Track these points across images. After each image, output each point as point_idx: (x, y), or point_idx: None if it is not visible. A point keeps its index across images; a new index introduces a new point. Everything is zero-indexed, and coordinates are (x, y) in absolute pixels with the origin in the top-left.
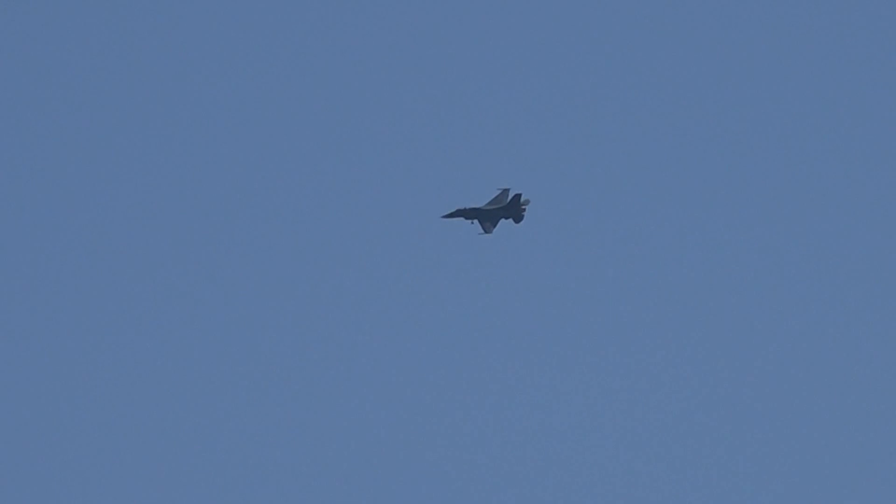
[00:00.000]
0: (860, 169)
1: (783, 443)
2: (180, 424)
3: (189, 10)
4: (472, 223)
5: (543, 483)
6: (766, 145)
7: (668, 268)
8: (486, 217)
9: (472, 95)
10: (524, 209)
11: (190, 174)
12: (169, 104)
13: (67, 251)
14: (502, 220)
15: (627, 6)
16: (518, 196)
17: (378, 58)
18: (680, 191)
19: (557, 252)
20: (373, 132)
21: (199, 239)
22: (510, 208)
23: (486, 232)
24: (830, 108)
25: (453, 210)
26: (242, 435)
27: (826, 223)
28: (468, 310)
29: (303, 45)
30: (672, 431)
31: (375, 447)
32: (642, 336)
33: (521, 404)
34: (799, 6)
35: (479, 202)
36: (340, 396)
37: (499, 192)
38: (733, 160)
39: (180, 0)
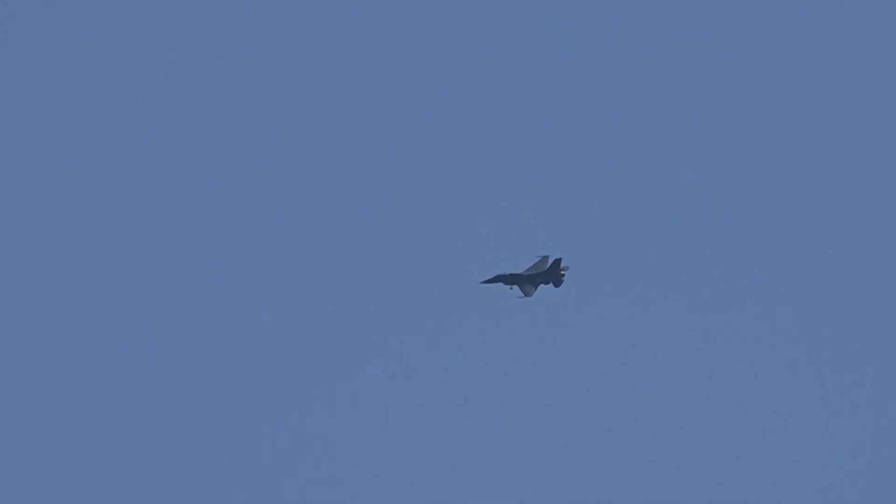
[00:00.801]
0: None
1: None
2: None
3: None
4: (512, 288)
5: None
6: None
7: (703, 332)
8: (526, 282)
9: (514, 165)
10: (563, 274)
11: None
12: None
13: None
14: (542, 285)
15: (669, 76)
16: (558, 261)
17: (420, 126)
18: (715, 253)
19: (596, 316)
20: (417, 201)
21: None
22: (549, 273)
23: (526, 295)
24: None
25: (493, 276)
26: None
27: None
28: (509, 370)
29: (342, 109)
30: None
31: None
32: (677, 395)
33: (558, 467)
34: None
35: (519, 269)
36: (376, 462)
37: (538, 259)
38: (770, 220)
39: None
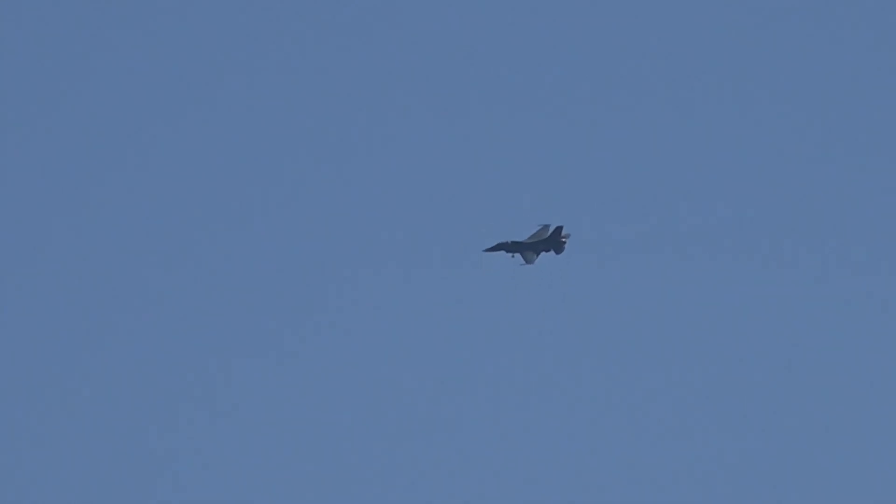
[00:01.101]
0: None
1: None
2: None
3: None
4: (514, 256)
5: None
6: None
7: (706, 300)
8: (528, 249)
9: (515, 135)
10: (564, 242)
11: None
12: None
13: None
14: (543, 252)
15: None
16: (559, 229)
17: (423, 101)
18: (718, 220)
19: (597, 282)
20: (417, 172)
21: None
22: (551, 241)
23: (527, 263)
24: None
25: (495, 244)
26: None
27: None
28: (511, 337)
29: (345, 86)
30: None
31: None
32: (681, 364)
33: (560, 435)
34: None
35: (520, 237)
36: (382, 430)
37: (539, 227)
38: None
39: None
